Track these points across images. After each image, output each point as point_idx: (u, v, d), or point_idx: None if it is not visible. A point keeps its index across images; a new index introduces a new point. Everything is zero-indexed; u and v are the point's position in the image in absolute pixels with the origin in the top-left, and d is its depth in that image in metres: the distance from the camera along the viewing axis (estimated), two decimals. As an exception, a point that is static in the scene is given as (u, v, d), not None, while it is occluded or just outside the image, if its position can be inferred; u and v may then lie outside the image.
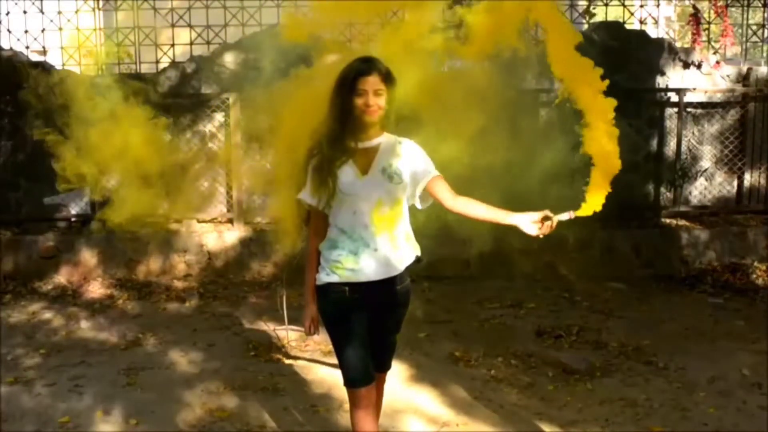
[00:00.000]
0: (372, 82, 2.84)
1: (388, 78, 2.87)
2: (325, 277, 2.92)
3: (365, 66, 2.86)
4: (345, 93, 2.86)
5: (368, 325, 2.95)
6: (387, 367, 3.15)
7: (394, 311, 3.04)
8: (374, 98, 2.84)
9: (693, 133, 7.54)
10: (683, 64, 7.42)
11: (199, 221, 7.29)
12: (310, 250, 3.02)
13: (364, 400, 2.93)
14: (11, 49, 7.38)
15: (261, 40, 6.59)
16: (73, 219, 7.26)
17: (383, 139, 2.95)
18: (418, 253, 3.03)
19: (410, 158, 2.96)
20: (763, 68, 7.64)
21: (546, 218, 2.77)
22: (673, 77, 7.47)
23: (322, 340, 5.14)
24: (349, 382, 2.94)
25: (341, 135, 2.88)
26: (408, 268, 3.00)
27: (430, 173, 2.97)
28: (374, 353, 3.00)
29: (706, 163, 7.57)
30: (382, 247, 2.89)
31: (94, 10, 7.66)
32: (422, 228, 3.11)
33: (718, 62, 7.54)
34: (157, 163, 3.78)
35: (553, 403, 4.28)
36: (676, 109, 7.35)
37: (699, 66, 7.42)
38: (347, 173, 2.88)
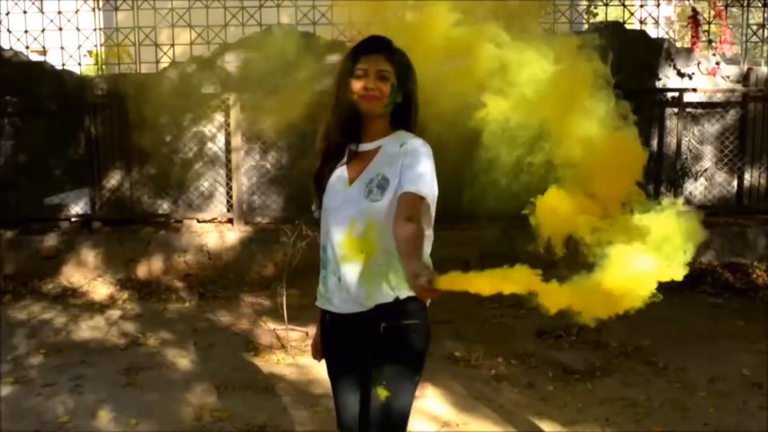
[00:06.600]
0: (375, 61, 2.25)
1: (399, 62, 2.28)
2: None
3: (368, 43, 2.30)
4: (344, 78, 2.29)
5: (361, 371, 2.39)
6: None
7: (379, 359, 2.31)
8: (376, 81, 2.24)
9: (693, 132, 7.53)
10: (677, 73, 7.41)
11: (199, 221, 7.30)
12: None
13: None
14: (11, 49, 7.38)
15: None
16: (73, 219, 7.26)
17: (388, 140, 2.32)
18: (403, 294, 2.29)
19: (403, 165, 2.25)
20: (763, 68, 7.64)
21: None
22: (673, 77, 7.46)
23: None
24: (338, 426, 2.51)
25: (340, 134, 2.32)
26: (398, 308, 2.30)
27: (404, 186, 2.22)
28: (361, 409, 2.40)
29: (706, 162, 7.57)
30: (346, 276, 2.29)
31: (94, 10, 7.66)
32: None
33: (717, 63, 7.52)
34: None
35: (553, 403, 4.28)
36: (676, 109, 7.35)
37: (691, 77, 7.42)
38: (336, 182, 2.34)
